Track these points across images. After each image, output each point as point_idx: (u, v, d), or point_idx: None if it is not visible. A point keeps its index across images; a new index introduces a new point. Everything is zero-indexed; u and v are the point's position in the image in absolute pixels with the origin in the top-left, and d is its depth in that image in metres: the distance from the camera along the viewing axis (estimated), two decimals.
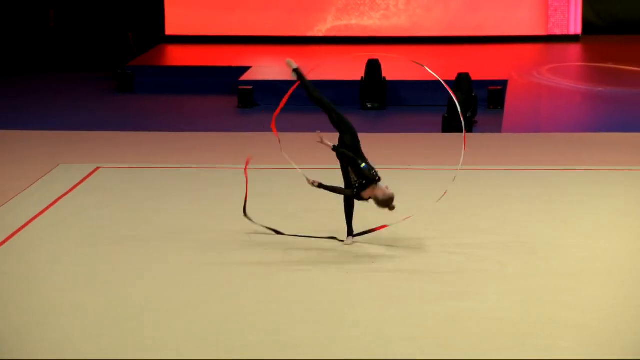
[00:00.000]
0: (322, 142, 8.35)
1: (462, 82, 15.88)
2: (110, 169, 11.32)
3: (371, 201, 8.30)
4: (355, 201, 8.45)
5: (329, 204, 9.20)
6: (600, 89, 17.24)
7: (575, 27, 21.29)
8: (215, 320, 7.03)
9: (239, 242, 8.70)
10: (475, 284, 7.71)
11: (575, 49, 20.89)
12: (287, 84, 17.75)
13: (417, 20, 21.24)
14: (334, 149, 8.33)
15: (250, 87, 16.96)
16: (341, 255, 8.41)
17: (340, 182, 8.57)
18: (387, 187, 8.24)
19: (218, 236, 8.87)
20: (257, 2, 21.19)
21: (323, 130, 8.69)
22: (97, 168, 11.26)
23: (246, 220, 9.09)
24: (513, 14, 21.17)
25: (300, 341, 6.67)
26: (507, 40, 21.07)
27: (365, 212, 8.77)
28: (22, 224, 9.21)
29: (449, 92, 15.45)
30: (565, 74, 18.42)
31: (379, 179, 8.27)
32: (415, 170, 11.28)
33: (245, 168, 8.87)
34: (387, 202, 8.23)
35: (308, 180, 8.36)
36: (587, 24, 21.53)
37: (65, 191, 10.32)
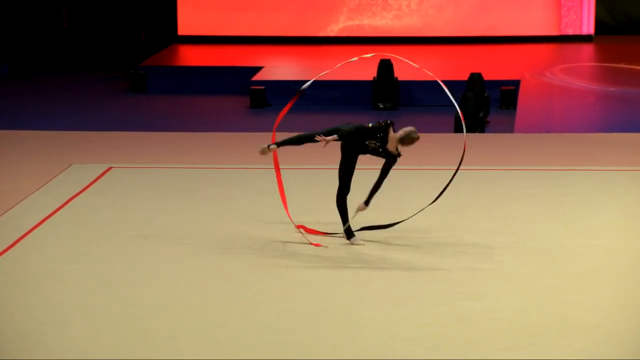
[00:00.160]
0: (326, 141, 8.32)
1: (475, 82, 15.86)
2: (123, 169, 11.34)
3: (381, 199, 8.28)
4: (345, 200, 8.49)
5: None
6: (612, 89, 17.19)
7: (588, 27, 21.23)
8: (226, 320, 7.03)
9: (251, 243, 8.70)
10: (486, 284, 7.70)
11: (588, 49, 20.84)
12: (299, 84, 17.82)
13: (429, 21, 21.22)
14: (339, 135, 8.28)
15: (262, 87, 16.97)
16: (352, 255, 8.40)
17: (332, 184, 8.57)
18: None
19: (230, 237, 8.87)
20: (270, 2, 21.20)
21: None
22: (110, 168, 11.28)
23: (258, 221, 9.11)
24: (525, 14, 21.13)
25: (311, 341, 6.67)
26: (520, 40, 21.03)
27: (371, 213, 8.75)
28: (35, 223, 9.24)
29: (459, 93, 15.44)
30: (577, 74, 18.38)
31: (391, 122, 8.21)
32: (428, 171, 11.26)
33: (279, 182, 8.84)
34: (410, 137, 8.19)
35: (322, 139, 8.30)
36: (600, 24, 21.48)
37: (77, 191, 10.34)
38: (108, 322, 6.98)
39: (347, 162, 8.43)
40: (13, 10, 20.63)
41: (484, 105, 15.43)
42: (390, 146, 8.30)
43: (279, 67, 18.56)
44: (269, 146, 8.50)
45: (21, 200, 10.00)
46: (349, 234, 8.53)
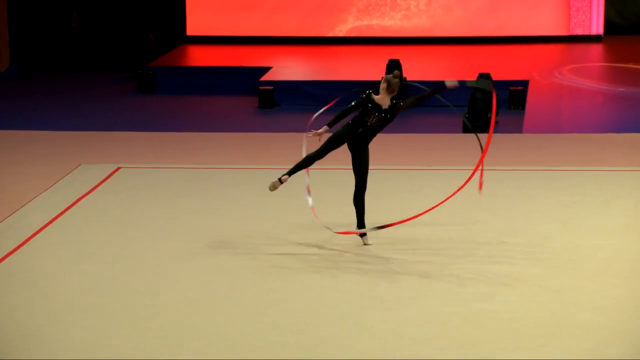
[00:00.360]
0: (319, 135, 8.39)
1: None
2: (131, 169, 11.35)
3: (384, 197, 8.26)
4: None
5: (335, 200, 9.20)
6: (622, 89, 17.15)
7: (597, 27, 21.19)
8: (233, 320, 7.03)
9: (259, 243, 8.70)
10: (495, 285, 7.68)
11: (597, 49, 20.80)
12: (308, 84, 17.84)
13: (438, 21, 21.20)
14: (339, 133, 8.36)
15: (271, 87, 16.97)
16: (361, 256, 8.40)
17: (348, 184, 8.56)
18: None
19: (239, 237, 8.87)
20: (278, 2, 21.21)
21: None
22: (118, 168, 11.29)
23: (267, 222, 9.12)
24: (534, 14, 21.09)
25: (320, 341, 6.67)
26: (529, 40, 21.00)
27: (382, 214, 8.75)
28: (44, 223, 9.25)
29: (469, 93, 15.42)
30: (587, 74, 18.34)
31: (368, 90, 8.33)
32: (436, 171, 11.25)
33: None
34: (393, 82, 8.33)
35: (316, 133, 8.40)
36: (610, 24, 21.43)
37: (86, 191, 10.36)
38: (114, 322, 6.99)
39: (359, 156, 8.44)
40: (23, 11, 20.66)
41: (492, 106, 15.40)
42: (385, 103, 8.38)
43: (287, 68, 18.56)
44: (280, 179, 8.52)
45: (30, 200, 10.02)
46: (362, 231, 8.57)
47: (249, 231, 9.02)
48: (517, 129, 14.75)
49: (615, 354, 6.46)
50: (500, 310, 7.16)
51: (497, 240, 8.73)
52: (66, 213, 9.61)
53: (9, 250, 8.49)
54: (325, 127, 8.41)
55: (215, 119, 16.17)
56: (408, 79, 16.95)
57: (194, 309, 7.23)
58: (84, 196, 10.18)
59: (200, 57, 20.58)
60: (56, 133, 13.69)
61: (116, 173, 11.11)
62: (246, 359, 6.45)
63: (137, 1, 21.47)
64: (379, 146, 12.62)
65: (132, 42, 20.56)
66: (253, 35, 21.31)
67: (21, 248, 8.59)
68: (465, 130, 14.66)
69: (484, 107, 14.89)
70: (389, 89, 8.42)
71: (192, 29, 21.48)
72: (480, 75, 16.04)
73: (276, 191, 10.33)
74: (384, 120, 8.42)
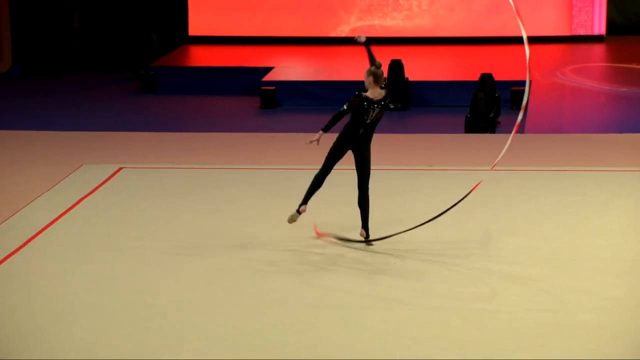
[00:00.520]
0: (317, 141, 8.38)
1: (485, 83, 15.84)
2: (133, 169, 11.36)
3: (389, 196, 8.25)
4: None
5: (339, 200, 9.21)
6: (624, 89, 17.15)
7: (599, 27, 21.18)
8: (236, 320, 7.04)
9: (260, 243, 8.70)
10: (497, 285, 7.69)
11: (599, 49, 20.79)
12: (310, 84, 17.85)
13: (440, 21, 21.20)
14: (324, 130, 8.37)
15: (273, 87, 16.98)
16: (362, 256, 8.40)
17: (347, 184, 8.57)
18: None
19: (240, 237, 8.88)
20: (280, 2, 21.21)
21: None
22: (120, 168, 11.30)
23: (269, 222, 9.13)
24: (537, 14, 21.09)
25: (320, 341, 6.67)
26: (531, 40, 20.95)
27: (383, 213, 8.74)
28: (46, 223, 9.26)
29: (471, 93, 15.41)
30: (589, 74, 18.34)
31: (357, 92, 8.30)
32: (438, 171, 11.25)
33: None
34: (378, 75, 8.39)
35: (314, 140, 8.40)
36: (612, 24, 21.42)
37: (88, 191, 10.37)
38: (114, 322, 7.00)
39: (362, 155, 8.46)
40: (25, 11, 20.68)
41: (494, 106, 15.40)
42: (377, 96, 8.40)
43: (289, 68, 18.57)
44: (298, 211, 8.55)
45: (32, 201, 10.02)
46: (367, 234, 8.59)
47: (249, 231, 9.03)
48: (519, 129, 14.74)
49: (616, 354, 6.46)
50: (500, 310, 7.16)
51: (497, 241, 8.73)
52: (68, 213, 9.62)
53: (11, 251, 8.50)
54: (320, 132, 8.37)
55: (217, 119, 16.17)
56: (410, 79, 16.98)
57: (194, 309, 7.24)
58: (86, 196, 10.19)
59: (202, 57, 20.59)
60: (58, 133, 13.70)
61: (118, 173, 11.12)
62: (246, 358, 6.46)
63: (139, 1, 21.48)
64: (381, 146, 12.63)
65: (134, 42, 20.57)
66: (255, 35, 21.32)
67: (23, 248, 8.60)
68: (468, 130, 14.66)
69: (486, 107, 14.89)
70: (377, 80, 8.43)
71: (194, 29, 21.50)
72: (483, 76, 16.06)
73: (277, 191, 10.35)
74: (382, 109, 8.43)
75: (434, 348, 6.56)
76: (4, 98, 17.87)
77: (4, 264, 8.23)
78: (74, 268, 8.12)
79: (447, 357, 6.45)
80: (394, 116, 16.39)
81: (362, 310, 7.20)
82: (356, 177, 8.57)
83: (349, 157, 8.63)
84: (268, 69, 18.25)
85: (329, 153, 8.49)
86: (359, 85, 18.08)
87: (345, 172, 9.39)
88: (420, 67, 18.25)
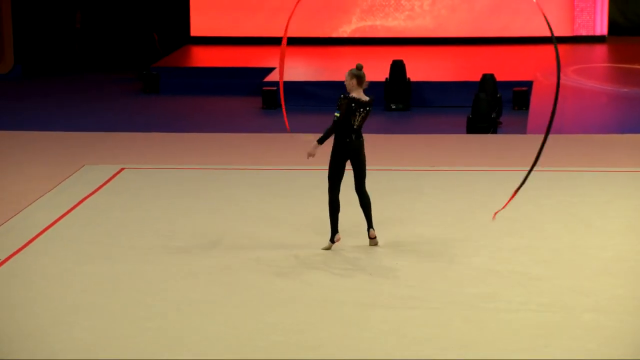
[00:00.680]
0: (314, 154, 8.38)
1: (487, 83, 15.84)
2: (135, 169, 11.37)
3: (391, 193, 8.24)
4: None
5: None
6: (626, 90, 17.14)
7: (601, 27, 21.18)
8: (238, 320, 7.04)
9: (262, 244, 8.71)
10: (499, 285, 7.69)
11: (601, 50, 20.79)
12: (311, 85, 17.86)
13: (441, 21, 21.21)
14: (319, 142, 8.36)
15: (275, 88, 16.98)
16: (363, 257, 8.40)
17: (347, 184, 8.58)
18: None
19: (241, 238, 8.88)
20: (282, 3, 21.22)
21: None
22: (122, 169, 11.31)
23: (270, 222, 9.13)
24: (538, 15, 21.08)
25: (321, 341, 6.68)
26: (532, 41, 21.00)
27: (386, 211, 8.72)
28: (48, 224, 9.27)
29: (473, 94, 15.41)
30: (590, 74, 18.33)
31: (342, 96, 8.31)
32: (440, 172, 11.25)
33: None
34: (361, 76, 8.37)
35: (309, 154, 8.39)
36: (614, 25, 21.42)
37: (90, 192, 10.37)
38: (115, 322, 7.00)
39: (358, 160, 8.44)
40: (27, 12, 20.70)
41: (496, 106, 15.41)
42: (363, 98, 8.39)
43: (291, 68, 18.55)
44: (332, 241, 8.48)
45: (34, 201, 10.03)
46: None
47: (251, 231, 9.03)
48: (521, 129, 14.75)
49: (616, 354, 6.46)
50: (501, 310, 7.17)
51: (499, 241, 8.73)
52: (70, 213, 9.63)
53: (13, 251, 8.51)
54: (315, 144, 8.34)
55: (219, 119, 16.18)
56: (412, 80, 16.98)
57: (195, 309, 7.24)
58: (87, 197, 10.20)
59: (204, 57, 20.60)
60: (60, 134, 13.71)
61: (120, 174, 11.13)
62: (247, 359, 6.46)
63: (141, 2, 21.50)
64: (382, 147, 12.65)
65: (136, 42, 20.59)
66: (257, 35, 21.33)
67: (25, 249, 8.61)
68: (469, 131, 14.66)
69: (488, 108, 14.89)
70: (360, 82, 8.42)
71: (195, 30, 21.51)
72: (484, 76, 16.06)
73: (278, 192, 10.36)
74: (367, 113, 8.41)
75: (434, 348, 6.57)
76: (6, 98, 17.88)
77: (5, 264, 8.23)
78: (75, 268, 8.12)
79: (448, 357, 6.45)
80: (396, 117, 16.40)
81: (363, 310, 7.20)
82: (352, 178, 8.52)
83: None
84: (270, 70, 18.26)
85: (332, 173, 8.38)
86: None
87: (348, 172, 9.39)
88: (422, 68, 18.26)
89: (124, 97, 18.07)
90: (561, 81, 18.43)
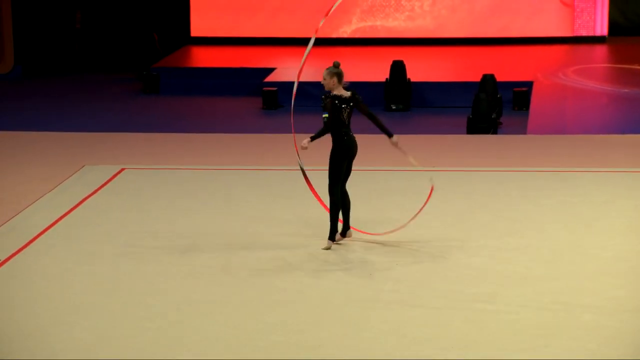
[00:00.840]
0: (306, 147, 8.41)
1: (487, 84, 15.85)
2: (135, 170, 11.37)
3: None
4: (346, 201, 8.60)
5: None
6: (626, 90, 17.14)
7: (601, 28, 21.18)
8: (238, 320, 7.04)
9: (262, 244, 8.71)
10: (499, 286, 7.68)
11: (601, 50, 20.79)
12: (312, 85, 17.86)
13: (442, 22, 21.21)
14: (312, 139, 8.40)
15: (275, 88, 16.99)
16: (364, 257, 8.40)
17: (349, 185, 8.57)
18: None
19: (242, 238, 8.88)
20: (282, 3, 21.22)
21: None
22: (122, 169, 11.31)
23: (270, 222, 9.13)
24: (539, 15, 21.09)
25: (323, 341, 6.67)
26: (533, 41, 21.00)
27: (385, 212, 8.72)
28: (48, 224, 9.26)
29: (473, 94, 15.40)
30: (591, 75, 18.34)
31: (324, 96, 8.35)
32: (440, 172, 11.25)
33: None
34: (339, 72, 8.46)
35: (302, 147, 8.42)
36: (614, 25, 21.42)
37: (90, 192, 10.37)
38: (116, 322, 7.00)
39: (351, 159, 8.50)
40: (27, 12, 20.70)
41: (496, 107, 15.41)
42: (345, 94, 8.42)
43: (291, 69, 18.57)
44: (336, 240, 8.54)
45: (34, 201, 10.03)
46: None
47: (252, 232, 9.03)
48: (521, 129, 14.75)
49: (617, 354, 6.46)
50: (502, 310, 7.16)
51: (499, 241, 8.73)
52: (70, 214, 9.62)
53: (13, 251, 8.51)
54: (307, 140, 8.41)
55: (219, 120, 16.18)
56: (412, 80, 16.98)
57: (195, 309, 7.24)
58: (87, 197, 10.20)
59: (204, 58, 20.60)
60: (60, 134, 13.71)
61: (120, 174, 11.13)
62: (247, 359, 6.46)
63: (141, 2, 21.49)
64: (382, 147, 12.64)
65: (136, 43, 20.59)
66: (257, 36, 21.32)
67: (25, 249, 8.61)
68: (470, 131, 14.66)
69: (488, 108, 14.89)
70: (340, 79, 8.47)
71: (196, 30, 21.51)
72: (485, 77, 16.06)
73: (279, 192, 10.35)
74: (351, 108, 8.46)
75: (434, 348, 6.56)
76: (6, 99, 17.89)
77: (6, 264, 8.23)
78: (76, 268, 8.12)
79: (448, 357, 6.45)
80: (396, 117, 16.40)
81: (363, 310, 7.20)
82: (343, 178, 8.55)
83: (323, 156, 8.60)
84: (270, 70, 18.27)
85: (333, 174, 8.38)
86: (361, 86, 18.07)
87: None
88: (422, 68, 18.26)
89: (124, 98, 18.07)
90: (562, 81, 18.38)
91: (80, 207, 9.87)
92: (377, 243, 8.67)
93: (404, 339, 6.71)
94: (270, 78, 17.71)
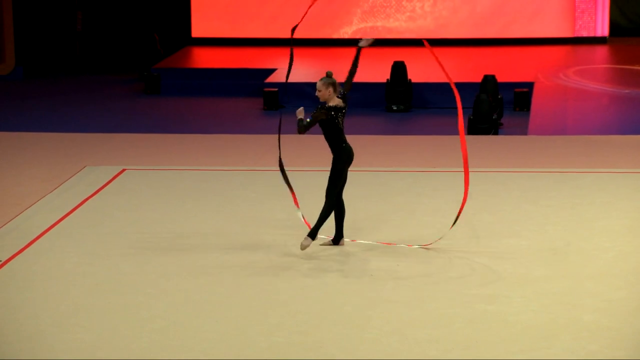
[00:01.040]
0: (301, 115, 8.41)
1: (488, 84, 15.85)
2: (136, 170, 11.37)
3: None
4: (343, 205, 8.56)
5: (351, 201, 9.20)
6: (627, 91, 17.15)
7: (602, 29, 21.19)
8: (241, 321, 7.04)
9: (264, 245, 8.71)
10: (501, 286, 7.68)
11: (602, 51, 20.79)
12: (312, 86, 17.84)
13: (443, 22, 21.21)
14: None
15: (276, 89, 16.99)
16: (366, 258, 8.40)
17: (354, 183, 8.57)
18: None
19: (243, 239, 8.89)
20: (283, 4, 21.23)
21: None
22: (123, 170, 11.31)
23: (272, 223, 9.13)
24: (540, 16, 21.09)
25: (323, 343, 6.67)
26: (534, 42, 21.00)
27: (388, 213, 8.72)
28: (49, 225, 9.27)
29: (474, 95, 15.40)
30: (592, 76, 18.34)
31: (320, 107, 8.33)
32: (441, 173, 11.25)
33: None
34: (333, 82, 8.42)
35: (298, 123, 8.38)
36: (615, 26, 21.43)
37: (91, 193, 10.37)
38: (117, 323, 7.00)
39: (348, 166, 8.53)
40: (28, 13, 20.71)
41: (497, 107, 15.41)
42: (339, 104, 8.39)
43: (292, 70, 18.57)
44: (338, 242, 8.55)
45: (35, 202, 10.03)
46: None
47: (253, 233, 9.03)
48: (522, 130, 14.76)
49: (618, 355, 6.46)
50: (504, 311, 7.16)
51: (500, 242, 8.73)
52: (71, 215, 9.62)
53: (14, 252, 8.51)
54: (302, 109, 8.32)
55: (220, 120, 16.19)
56: (413, 81, 16.98)
57: (197, 310, 7.24)
58: (89, 198, 10.20)
59: (205, 58, 20.61)
60: (61, 135, 13.71)
61: (121, 175, 11.13)
62: (249, 359, 6.47)
63: (142, 3, 21.50)
64: (383, 148, 12.65)
65: (137, 43, 20.60)
66: (258, 37, 21.33)
67: (26, 250, 8.61)
68: (471, 132, 14.66)
69: (489, 109, 14.89)
70: (335, 89, 8.41)
71: (197, 31, 21.51)
72: (486, 77, 16.06)
73: (280, 193, 10.35)
74: (345, 113, 8.44)
75: (437, 349, 6.56)
76: (7, 100, 17.89)
77: (7, 264, 8.23)
78: (77, 269, 8.12)
79: (449, 358, 6.45)
80: (397, 118, 16.40)
81: (366, 311, 7.20)
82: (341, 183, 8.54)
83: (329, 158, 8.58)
84: (271, 71, 18.27)
85: (336, 182, 8.34)
86: (362, 87, 18.07)
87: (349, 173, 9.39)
88: (423, 69, 18.26)
89: (125, 98, 18.08)
90: (563, 82, 18.40)
91: (81, 207, 9.87)
92: (379, 244, 8.66)
93: (406, 340, 6.71)
94: (271, 79, 17.71)
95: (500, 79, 16.17)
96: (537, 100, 16.41)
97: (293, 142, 12.88)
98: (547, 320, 7.00)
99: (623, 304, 7.33)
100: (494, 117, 14.92)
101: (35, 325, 6.98)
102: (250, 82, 18.00)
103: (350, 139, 8.55)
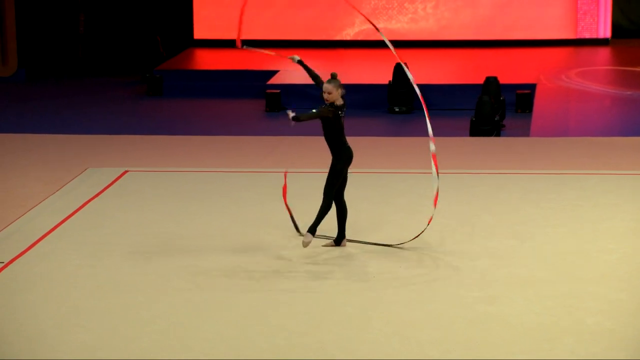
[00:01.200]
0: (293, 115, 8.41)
1: (491, 86, 15.84)
2: (138, 172, 11.37)
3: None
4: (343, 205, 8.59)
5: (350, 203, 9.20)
6: (629, 92, 17.13)
7: (604, 30, 21.17)
8: (241, 322, 7.04)
9: (265, 246, 8.71)
10: (502, 288, 7.68)
11: (604, 53, 20.78)
12: (315, 88, 17.85)
13: (445, 24, 21.20)
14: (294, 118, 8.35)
15: (278, 90, 16.99)
16: (367, 259, 8.40)
17: (356, 185, 8.57)
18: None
19: (244, 240, 8.89)
20: (285, 6, 21.24)
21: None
22: (125, 172, 11.31)
23: (273, 225, 9.12)
24: (542, 17, 21.08)
25: (325, 343, 6.67)
26: (536, 43, 20.99)
27: (391, 214, 8.72)
28: (51, 227, 9.27)
29: (476, 97, 15.40)
30: (594, 77, 18.33)
31: (324, 105, 8.39)
32: (443, 175, 11.24)
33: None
34: (336, 83, 8.55)
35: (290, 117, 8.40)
36: (617, 27, 21.41)
37: (93, 195, 10.38)
38: (118, 324, 7.00)
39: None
40: (30, 15, 20.72)
41: (499, 109, 15.40)
42: (342, 102, 8.49)
43: (294, 71, 18.57)
44: (340, 243, 8.56)
45: (37, 204, 10.04)
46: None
47: (254, 234, 9.03)
48: (524, 132, 14.75)
49: (621, 357, 6.45)
50: (505, 313, 7.16)
51: (502, 244, 8.72)
52: (73, 216, 9.63)
53: (16, 254, 8.52)
54: (294, 115, 8.33)
55: (223, 122, 16.19)
56: (415, 82, 16.96)
57: (197, 311, 7.24)
58: (91, 199, 10.21)
59: (207, 60, 20.61)
60: (63, 136, 13.72)
61: (123, 176, 11.13)
62: (253, 359, 6.47)
63: (144, 4, 21.51)
64: (386, 149, 12.65)
65: (140, 45, 20.60)
66: (260, 38, 21.33)
67: (28, 251, 8.61)
68: (473, 133, 14.66)
69: (491, 111, 14.89)
70: (341, 89, 8.49)
71: (199, 32, 21.51)
72: (488, 79, 16.05)
73: (281, 194, 10.34)
74: (345, 112, 8.49)
75: (438, 350, 6.56)
76: (9, 102, 17.90)
77: (9, 266, 8.24)
78: (78, 270, 8.13)
79: (451, 359, 6.45)
80: (399, 119, 16.40)
81: (366, 312, 7.20)
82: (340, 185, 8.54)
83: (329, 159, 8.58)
84: (273, 72, 18.26)
85: (336, 182, 8.35)
86: (364, 89, 18.06)
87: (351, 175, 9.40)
88: (426, 70, 18.25)
89: (128, 100, 18.08)
90: (565, 84, 18.39)
91: (83, 209, 9.88)
92: (380, 246, 8.66)
93: (407, 340, 6.71)
94: (273, 80, 17.71)
95: (503, 80, 16.16)
96: (540, 102, 16.40)
97: (293, 143, 12.88)
98: (549, 322, 7.00)
99: (626, 306, 7.32)
100: (496, 118, 14.91)
101: (36, 326, 6.98)
102: (253, 83, 18.00)
103: (352, 140, 8.56)
